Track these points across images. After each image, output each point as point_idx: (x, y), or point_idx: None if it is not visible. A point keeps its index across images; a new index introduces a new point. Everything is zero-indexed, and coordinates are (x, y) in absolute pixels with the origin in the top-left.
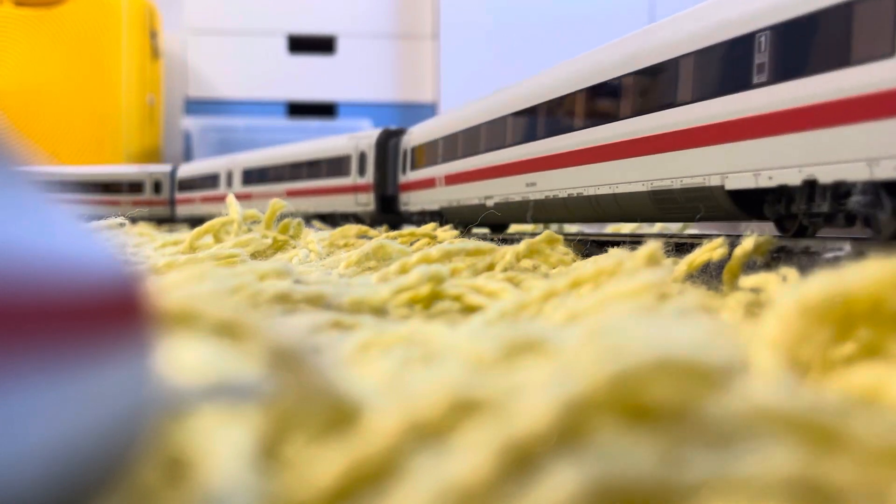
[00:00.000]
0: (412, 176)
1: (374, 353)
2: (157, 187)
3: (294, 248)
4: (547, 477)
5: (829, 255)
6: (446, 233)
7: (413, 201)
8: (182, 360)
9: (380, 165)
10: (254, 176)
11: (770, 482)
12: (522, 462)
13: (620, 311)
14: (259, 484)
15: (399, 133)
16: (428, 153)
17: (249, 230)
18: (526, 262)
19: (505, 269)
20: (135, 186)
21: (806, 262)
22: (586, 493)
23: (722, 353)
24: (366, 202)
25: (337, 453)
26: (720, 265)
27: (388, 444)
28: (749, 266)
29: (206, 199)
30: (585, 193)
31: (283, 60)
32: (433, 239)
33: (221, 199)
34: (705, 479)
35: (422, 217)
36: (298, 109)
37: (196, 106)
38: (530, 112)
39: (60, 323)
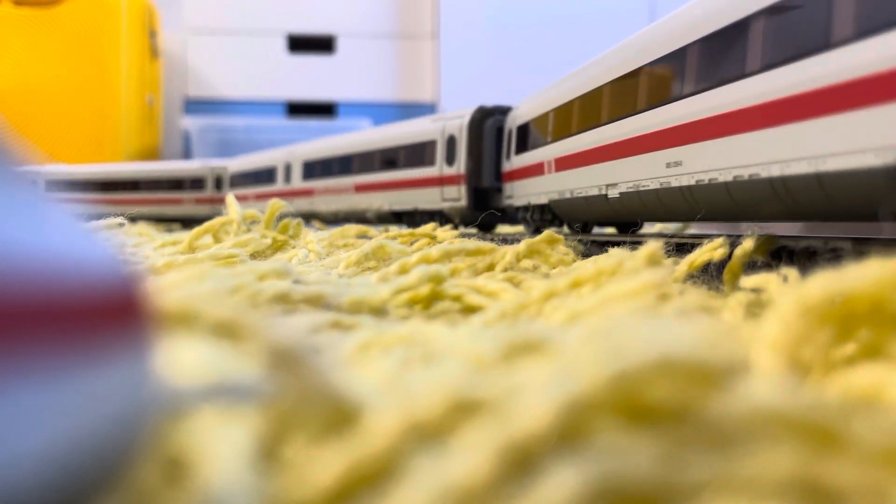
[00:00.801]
0: (516, 162)
1: (374, 353)
2: (218, 183)
3: (293, 248)
4: (547, 477)
5: (830, 255)
6: (446, 233)
7: (517, 193)
8: (181, 360)
9: (473, 151)
10: (316, 169)
11: (771, 482)
12: (522, 462)
13: (621, 312)
14: (259, 484)
15: (500, 112)
16: (536, 131)
17: (249, 230)
18: (526, 262)
19: (505, 269)
20: (196, 183)
21: (806, 262)
22: (586, 494)
23: (722, 354)
24: (455, 196)
25: (337, 453)
26: (721, 265)
27: (387, 444)
28: (750, 266)
29: (260, 197)
30: (763, 174)
31: (282, 60)
32: (433, 239)
33: (278, 195)
34: (706, 479)
35: (527, 213)
36: (298, 109)
37: (195, 106)
38: (671, 59)
39: (60, 323)
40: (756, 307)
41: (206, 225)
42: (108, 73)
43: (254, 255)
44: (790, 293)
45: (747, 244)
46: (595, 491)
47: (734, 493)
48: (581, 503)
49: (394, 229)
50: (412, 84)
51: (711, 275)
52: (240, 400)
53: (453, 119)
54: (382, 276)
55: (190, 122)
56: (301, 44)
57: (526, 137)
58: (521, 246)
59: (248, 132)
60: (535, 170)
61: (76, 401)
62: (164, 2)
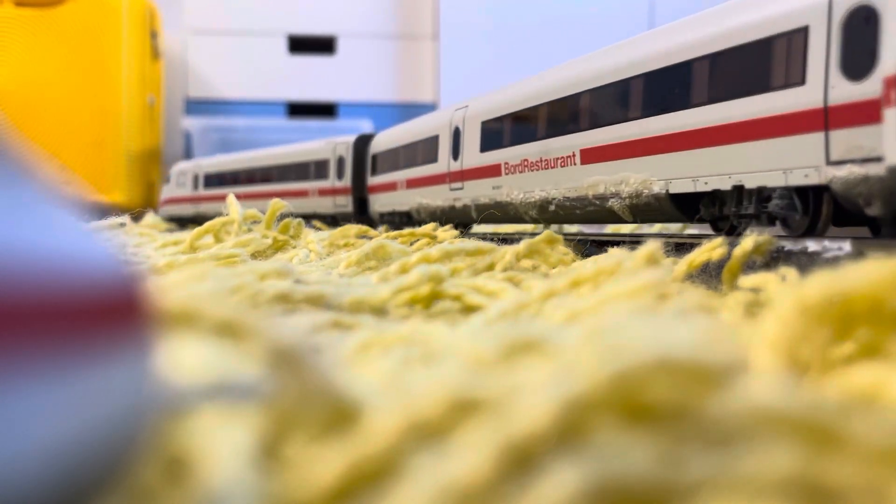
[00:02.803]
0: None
1: (374, 353)
2: (340, 168)
3: (294, 248)
4: (547, 476)
5: (829, 254)
6: (446, 233)
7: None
8: (182, 359)
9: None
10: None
11: (770, 482)
12: (522, 462)
13: (620, 311)
14: (259, 484)
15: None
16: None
17: (249, 230)
18: (526, 262)
19: (505, 269)
20: (319, 168)
21: (806, 262)
22: (586, 493)
23: (722, 353)
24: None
25: (337, 453)
26: (720, 265)
27: (388, 443)
28: (749, 266)
29: (420, 182)
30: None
31: (283, 60)
32: (433, 239)
33: (445, 180)
34: (705, 478)
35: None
36: (298, 109)
37: (196, 106)
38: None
39: (60, 323)
40: (755, 307)
41: (206, 225)
42: (109, 73)
43: (255, 255)
44: (789, 293)
45: (746, 244)
46: (594, 490)
47: (733, 492)
48: (581, 502)
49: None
50: (412, 84)
51: (710, 274)
52: (240, 399)
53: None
54: (382, 276)
55: (191, 123)
56: (301, 44)
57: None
58: (521, 246)
59: (249, 132)
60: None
61: (77, 400)
62: (164, 2)
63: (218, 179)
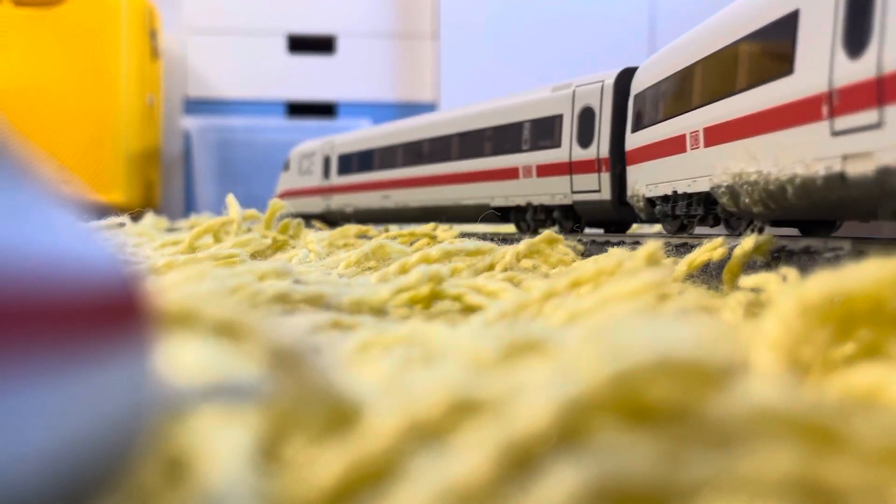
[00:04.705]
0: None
1: (374, 353)
2: (584, 127)
3: (294, 248)
4: (547, 476)
5: (830, 254)
6: (446, 233)
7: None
8: (182, 360)
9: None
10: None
11: (770, 482)
12: (522, 462)
13: (621, 312)
14: (259, 484)
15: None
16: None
17: (249, 230)
18: (526, 262)
19: (505, 269)
20: (541, 130)
21: (806, 261)
22: (586, 493)
23: (722, 353)
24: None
25: (337, 453)
26: (720, 265)
27: (388, 444)
28: (749, 266)
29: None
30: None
31: (283, 60)
32: (433, 239)
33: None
34: (705, 478)
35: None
36: (298, 109)
37: (196, 106)
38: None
39: (59, 323)
40: (755, 307)
41: (206, 225)
42: (109, 73)
43: (254, 255)
44: (789, 293)
45: (746, 244)
46: (595, 490)
47: (733, 492)
48: (581, 502)
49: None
50: (412, 84)
51: (711, 275)
52: (240, 400)
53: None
54: (382, 276)
55: (190, 123)
56: (301, 44)
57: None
58: (521, 246)
59: (249, 132)
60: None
61: (76, 401)
62: (164, 2)
63: (361, 161)
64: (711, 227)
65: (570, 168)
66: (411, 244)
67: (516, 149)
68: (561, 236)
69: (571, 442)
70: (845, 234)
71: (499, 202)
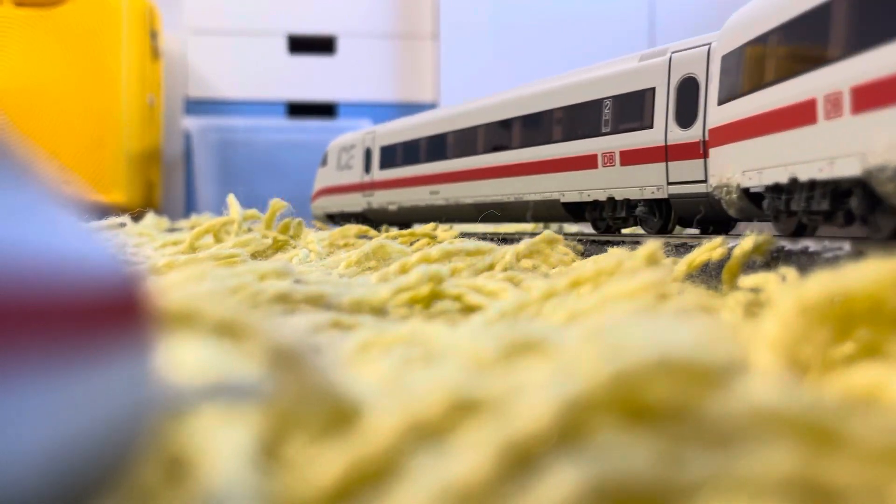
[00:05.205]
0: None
1: (374, 353)
2: (681, 100)
3: (294, 248)
4: (547, 476)
5: (829, 254)
6: (446, 233)
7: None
8: (182, 359)
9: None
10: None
11: (770, 482)
12: (522, 462)
13: (620, 311)
14: (259, 484)
15: None
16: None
17: (249, 230)
18: (526, 262)
19: (505, 269)
20: (626, 107)
21: (806, 261)
22: (586, 493)
23: (722, 353)
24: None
25: (337, 453)
26: (720, 265)
27: (388, 443)
28: (749, 266)
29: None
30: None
31: (283, 61)
32: (433, 239)
33: None
34: (705, 478)
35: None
36: (298, 109)
37: (196, 106)
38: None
39: (59, 323)
40: (755, 307)
41: (206, 225)
42: (109, 73)
43: (254, 255)
44: (789, 293)
45: (746, 244)
46: (594, 490)
47: (733, 491)
48: (581, 502)
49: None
50: (412, 84)
51: (710, 275)
52: (240, 400)
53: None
54: (382, 276)
55: (190, 123)
56: (301, 44)
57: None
58: (521, 246)
59: (249, 132)
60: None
61: (76, 401)
62: (164, 2)
63: (406, 152)
64: (841, 227)
65: (666, 153)
66: (411, 244)
67: (594, 132)
68: (560, 236)
69: (571, 442)
70: (844, 235)
71: (571, 197)
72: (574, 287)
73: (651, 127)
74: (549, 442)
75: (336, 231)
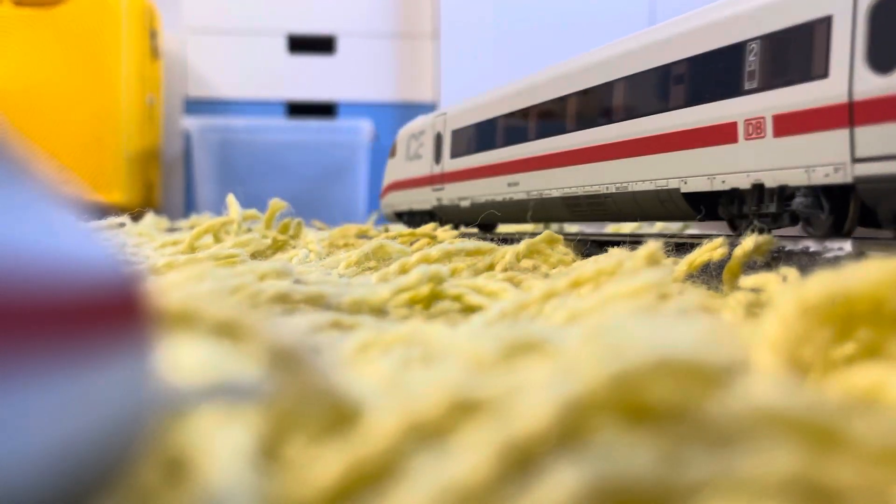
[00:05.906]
0: None
1: (374, 354)
2: (882, 34)
3: (294, 248)
4: (547, 476)
5: (830, 254)
6: (446, 233)
7: None
8: (181, 360)
9: None
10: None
11: (770, 482)
12: (522, 462)
13: (621, 311)
14: (259, 484)
15: None
16: None
17: (249, 230)
18: (526, 262)
19: (505, 269)
20: (783, 50)
21: (806, 262)
22: (586, 493)
23: (722, 353)
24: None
25: (337, 453)
26: (720, 265)
27: (388, 444)
28: (749, 266)
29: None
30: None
31: (283, 60)
32: (433, 239)
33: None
34: (706, 479)
35: None
36: (298, 109)
37: (196, 106)
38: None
39: (59, 323)
40: (756, 307)
41: (206, 225)
42: (109, 73)
43: (254, 255)
44: (790, 293)
45: (747, 244)
46: (595, 490)
47: (734, 492)
48: (581, 503)
49: (395, 229)
50: (412, 84)
51: (711, 275)
52: (240, 400)
53: None
54: (382, 276)
55: (190, 123)
56: (301, 44)
57: None
58: (521, 246)
59: (249, 132)
60: None
61: (75, 401)
62: (164, 2)
63: (480, 136)
64: None
65: (851, 114)
66: (411, 244)
67: (732, 91)
68: (560, 236)
69: (571, 442)
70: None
71: (697, 185)
72: (574, 287)
73: (825, 76)
74: (549, 442)
75: (336, 231)
